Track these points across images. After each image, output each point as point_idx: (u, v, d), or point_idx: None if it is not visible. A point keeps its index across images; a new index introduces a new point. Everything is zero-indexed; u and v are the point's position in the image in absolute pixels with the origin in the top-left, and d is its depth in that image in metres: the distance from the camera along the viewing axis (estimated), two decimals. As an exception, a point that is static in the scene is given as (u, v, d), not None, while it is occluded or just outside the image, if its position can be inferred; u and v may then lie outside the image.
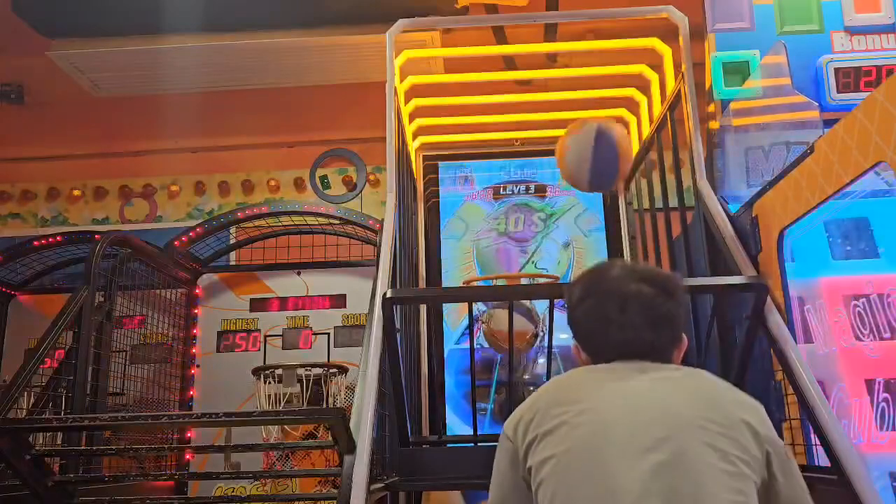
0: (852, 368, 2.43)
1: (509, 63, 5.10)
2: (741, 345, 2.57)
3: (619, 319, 1.38)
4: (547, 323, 4.17)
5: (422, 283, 4.62)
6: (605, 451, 1.22)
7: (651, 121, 3.94)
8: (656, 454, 1.19)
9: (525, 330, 3.57)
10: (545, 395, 1.38)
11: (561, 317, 2.57)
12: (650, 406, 1.27)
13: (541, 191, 5.03)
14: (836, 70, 3.28)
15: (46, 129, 5.78)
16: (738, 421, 1.26)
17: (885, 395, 2.33)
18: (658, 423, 1.24)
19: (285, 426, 3.98)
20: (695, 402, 1.28)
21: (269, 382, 4.09)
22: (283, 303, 4.82)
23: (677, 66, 3.35)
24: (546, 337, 4.32)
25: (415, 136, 4.48)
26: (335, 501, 2.26)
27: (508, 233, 5.01)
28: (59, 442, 3.56)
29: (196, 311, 4.82)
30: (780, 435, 2.49)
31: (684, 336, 1.45)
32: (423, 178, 4.95)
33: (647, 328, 1.37)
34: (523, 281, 4.16)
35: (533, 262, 4.79)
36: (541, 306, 3.78)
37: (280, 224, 4.83)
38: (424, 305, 4.21)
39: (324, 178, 5.81)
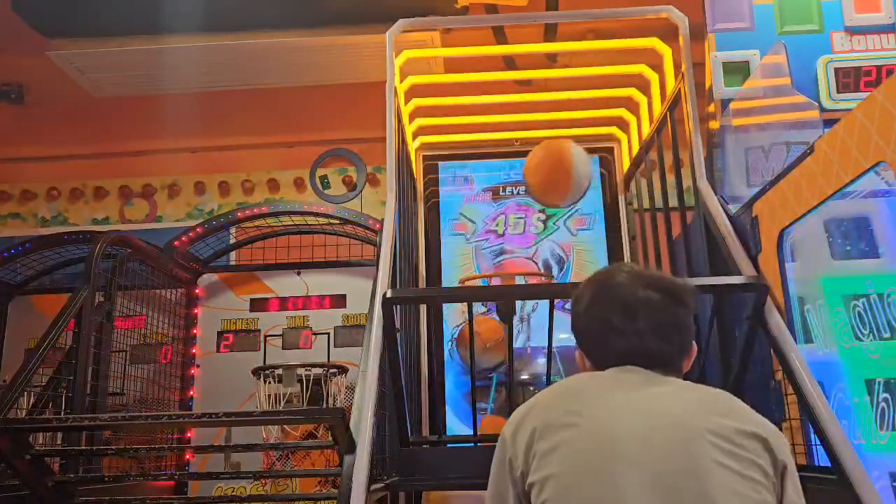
0: (852, 368, 2.43)
1: (509, 63, 5.10)
2: (741, 345, 2.57)
3: (625, 327, 1.33)
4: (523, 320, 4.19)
5: (422, 283, 4.62)
6: (612, 470, 1.17)
7: (651, 121, 3.94)
8: (666, 471, 1.15)
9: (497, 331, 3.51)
10: (547, 403, 1.32)
11: (559, 317, 2.57)
12: (659, 420, 1.22)
13: (541, 191, 5.02)
14: (836, 70, 3.28)
15: (46, 129, 5.78)
16: (753, 436, 1.21)
17: (885, 395, 2.33)
18: (668, 438, 1.19)
19: (285, 426, 3.98)
20: (706, 413, 1.23)
21: (269, 382, 4.09)
22: (283, 303, 4.82)
23: (677, 66, 3.35)
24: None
25: (415, 136, 4.48)
26: (335, 501, 2.26)
27: (508, 233, 5.00)
28: (59, 442, 3.56)
29: (196, 311, 4.82)
30: (780, 435, 2.49)
31: (694, 344, 1.41)
32: (423, 178, 4.94)
33: (654, 336, 1.33)
34: (518, 280, 4.15)
35: (533, 262, 4.79)
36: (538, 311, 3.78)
37: (280, 224, 4.83)
38: (424, 305, 4.21)
39: (324, 178, 5.81)
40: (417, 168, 4.76)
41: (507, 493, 1.29)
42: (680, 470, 1.15)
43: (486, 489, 1.37)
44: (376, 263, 2.95)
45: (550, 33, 4.96)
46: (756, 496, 1.15)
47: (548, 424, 1.25)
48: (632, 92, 4.13)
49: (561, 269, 4.77)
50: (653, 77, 3.83)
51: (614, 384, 1.30)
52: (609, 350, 1.35)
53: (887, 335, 2.34)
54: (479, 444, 2.97)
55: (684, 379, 1.37)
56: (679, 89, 3.28)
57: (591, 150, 4.98)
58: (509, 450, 1.29)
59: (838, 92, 3.25)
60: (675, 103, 3.37)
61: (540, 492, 1.20)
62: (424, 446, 3.29)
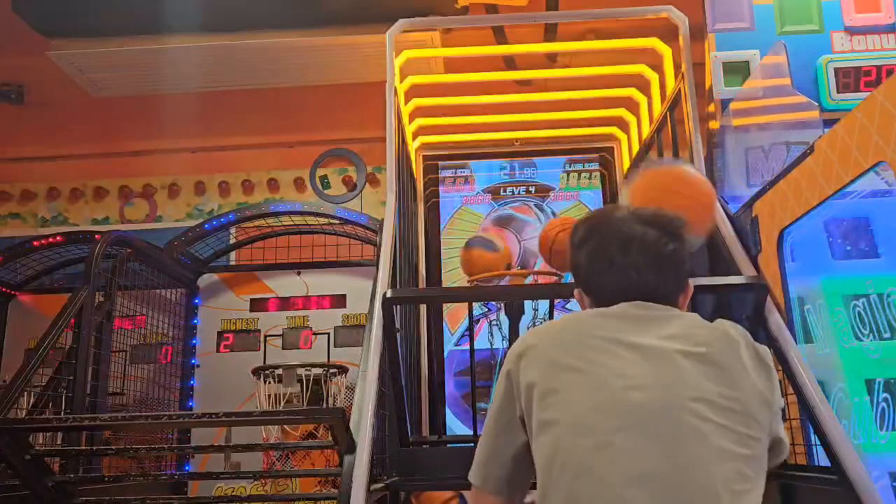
0: (852, 368, 2.43)
1: (509, 63, 5.10)
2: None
3: (622, 261, 1.32)
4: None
5: (422, 283, 4.62)
6: (608, 427, 1.17)
7: (651, 121, 3.94)
8: (660, 432, 1.15)
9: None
10: (550, 339, 1.31)
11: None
12: (656, 378, 1.20)
13: (541, 191, 5.03)
14: (836, 70, 3.28)
15: (46, 129, 5.78)
16: (754, 393, 1.22)
17: (885, 395, 2.33)
18: (661, 400, 1.18)
19: (285, 426, 3.98)
20: (707, 374, 1.21)
21: (269, 382, 4.09)
22: (283, 303, 4.82)
23: (677, 66, 3.35)
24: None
25: (415, 136, 4.48)
26: (335, 501, 2.26)
27: (508, 233, 5.00)
28: (59, 442, 3.56)
29: (196, 310, 4.82)
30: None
31: (690, 282, 1.41)
32: (423, 178, 4.95)
33: (652, 270, 1.33)
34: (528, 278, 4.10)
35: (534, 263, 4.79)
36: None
37: (280, 224, 4.83)
38: (424, 305, 4.21)
39: (324, 178, 5.81)
40: (417, 168, 4.76)
41: (513, 421, 1.31)
42: (673, 434, 1.15)
43: None
44: (376, 263, 2.96)
45: (550, 33, 4.96)
46: (747, 451, 1.17)
47: (549, 365, 1.26)
48: (632, 92, 4.13)
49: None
50: (653, 77, 3.83)
51: (617, 325, 1.28)
52: (605, 285, 1.35)
53: (887, 335, 2.34)
54: (479, 445, 2.97)
55: None
56: (679, 89, 3.29)
57: (591, 150, 5.02)
58: (513, 371, 1.31)
59: (838, 92, 3.25)
60: (675, 103, 3.37)
61: (539, 432, 1.23)
62: (424, 446, 3.30)
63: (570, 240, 1.43)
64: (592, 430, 1.17)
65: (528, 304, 3.30)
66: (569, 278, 4.71)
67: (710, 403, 1.18)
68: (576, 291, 1.44)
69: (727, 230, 2.75)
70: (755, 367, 1.26)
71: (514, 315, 3.01)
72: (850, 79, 3.26)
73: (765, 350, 1.31)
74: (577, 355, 1.25)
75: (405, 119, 3.95)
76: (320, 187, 5.78)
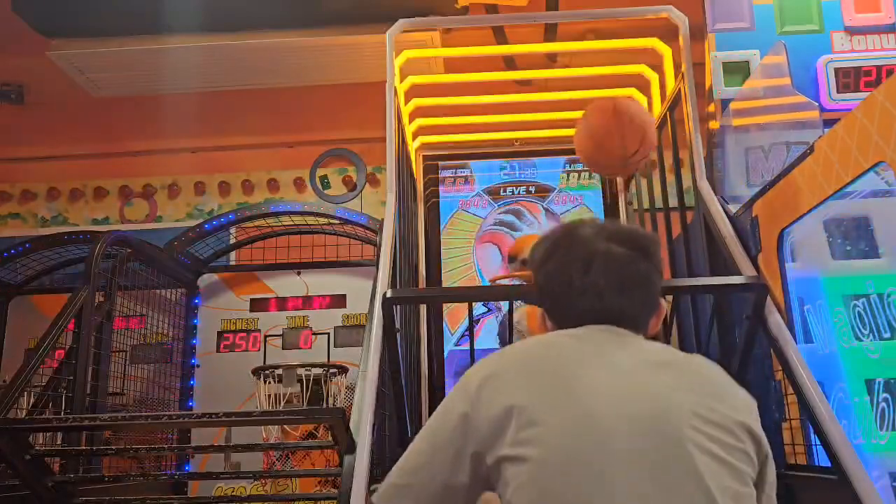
0: (852, 368, 2.43)
1: (509, 63, 5.10)
2: (741, 345, 2.57)
3: (583, 282, 1.20)
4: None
5: (422, 283, 4.62)
6: (597, 458, 1.05)
7: (651, 121, 3.94)
8: (649, 453, 1.05)
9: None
10: (521, 368, 1.16)
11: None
12: (640, 397, 1.10)
13: (541, 191, 5.03)
14: (836, 70, 3.28)
15: (46, 129, 5.78)
16: (739, 422, 1.12)
17: (885, 395, 2.33)
18: (649, 419, 1.07)
19: (285, 426, 3.98)
20: (692, 393, 1.12)
21: (269, 382, 4.09)
22: (283, 303, 4.82)
23: (677, 66, 3.35)
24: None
25: (415, 136, 4.48)
26: (335, 501, 2.26)
27: (508, 233, 5.01)
28: (59, 442, 3.56)
29: (196, 310, 4.82)
30: (780, 435, 2.50)
31: (662, 301, 1.27)
32: (423, 178, 4.95)
33: (615, 292, 1.20)
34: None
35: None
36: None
37: (280, 224, 4.83)
38: (424, 305, 4.21)
39: (324, 178, 5.81)
40: (417, 168, 4.76)
41: (448, 447, 1.14)
42: (670, 459, 1.05)
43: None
44: (376, 263, 2.96)
45: (550, 33, 4.96)
46: (746, 490, 1.09)
47: (523, 401, 1.10)
48: (632, 92, 4.13)
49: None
50: (653, 77, 3.83)
51: (585, 346, 1.18)
52: (570, 310, 1.23)
53: (887, 335, 2.34)
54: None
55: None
56: (679, 89, 3.28)
57: (591, 150, 5.01)
58: (472, 404, 1.13)
59: (838, 92, 3.25)
60: (675, 103, 3.37)
61: (507, 474, 1.08)
62: (424, 446, 3.28)
63: (530, 258, 1.32)
64: (579, 462, 1.05)
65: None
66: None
67: (700, 418, 1.09)
68: (538, 313, 1.32)
69: (727, 230, 2.75)
70: (736, 392, 1.19)
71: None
72: (850, 79, 3.26)
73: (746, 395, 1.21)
74: (547, 381, 1.13)
75: (405, 119, 3.95)
76: (320, 187, 5.78)
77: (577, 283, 1.21)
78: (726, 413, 1.12)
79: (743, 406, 1.17)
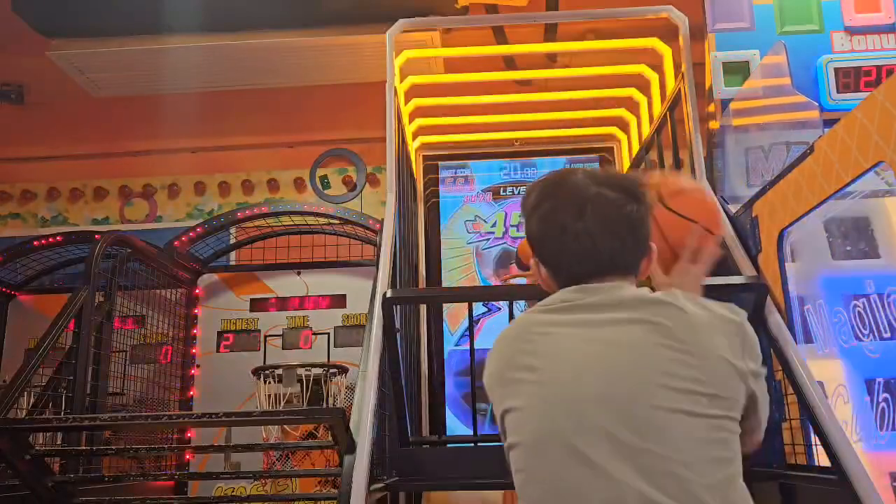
0: (852, 368, 2.43)
1: (509, 63, 5.10)
2: (741, 345, 2.56)
3: (576, 226, 1.21)
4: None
5: (422, 283, 4.62)
6: (565, 436, 1.11)
7: (651, 121, 3.94)
8: (620, 428, 1.08)
9: None
10: (496, 361, 1.26)
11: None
12: (608, 370, 1.13)
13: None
14: (836, 70, 3.28)
15: (46, 129, 5.78)
16: (717, 361, 1.13)
17: (885, 395, 2.33)
18: (619, 390, 1.11)
19: (285, 426, 3.98)
20: (664, 349, 1.13)
21: (269, 382, 4.09)
22: (283, 303, 4.82)
23: (677, 66, 3.35)
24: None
25: (415, 136, 4.48)
26: (335, 501, 2.26)
27: (508, 233, 5.01)
28: (59, 442, 3.56)
29: (196, 311, 4.82)
30: (780, 435, 2.49)
31: (653, 245, 1.28)
32: (423, 178, 4.95)
33: (608, 235, 1.21)
34: None
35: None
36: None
37: (280, 224, 4.83)
38: (424, 305, 4.21)
39: (324, 178, 5.81)
40: (417, 168, 4.76)
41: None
42: (638, 424, 1.09)
43: (487, 489, 1.34)
44: (376, 263, 2.95)
45: (550, 33, 4.97)
46: (717, 434, 1.11)
47: (503, 374, 1.22)
48: (632, 92, 4.13)
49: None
50: (653, 77, 3.83)
51: (566, 324, 1.21)
52: (560, 253, 1.25)
53: (887, 335, 2.34)
54: (479, 444, 2.97)
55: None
56: (679, 89, 3.28)
57: (591, 150, 5.02)
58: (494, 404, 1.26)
59: (838, 92, 3.25)
60: (675, 103, 3.37)
61: (511, 457, 1.19)
62: (424, 446, 3.29)
63: (521, 204, 1.34)
64: (552, 444, 1.12)
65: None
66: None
67: (675, 390, 1.11)
68: (532, 260, 1.33)
69: (727, 230, 2.75)
70: (714, 329, 1.18)
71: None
72: (850, 79, 3.26)
73: (732, 308, 1.22)
74: (522, 364, 1.20)
75: (405, 119, 3.95)
76: (320, 187, 5.78)
77: (570, 227, 1.22)
78: (700, 364, 1.13)
79: (721, 342, 1.16)
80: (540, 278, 1.32)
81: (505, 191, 5.07)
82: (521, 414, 1.17)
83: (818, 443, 2.13)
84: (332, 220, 4.74)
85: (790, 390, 2.29)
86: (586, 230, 1.21)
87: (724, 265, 2.60)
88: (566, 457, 1.10)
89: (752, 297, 2.42)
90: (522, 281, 3.48)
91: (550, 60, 5.21)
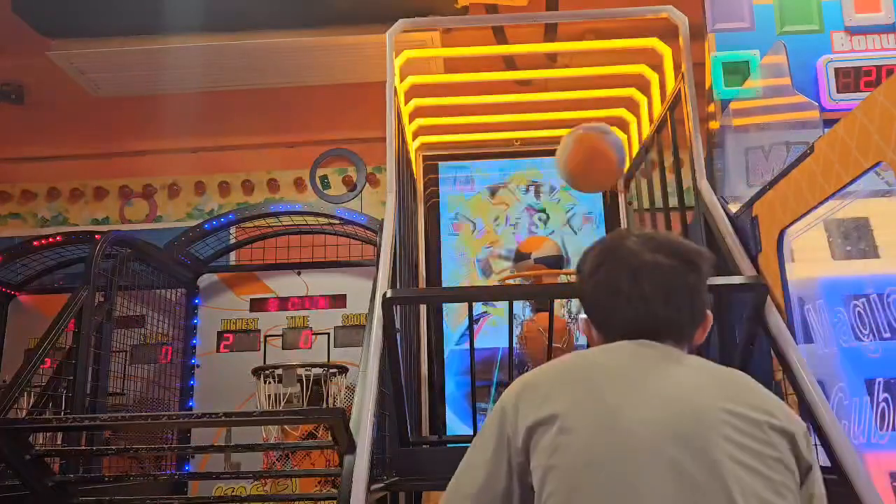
0: (852, 368, 2.43)
1: (509, 63, 5.10)
2: (741, 345, 2.57)
3: (630, 291, 1.24)
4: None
5: (422, 283, 4.62)
6: (625, 465, 1.08)
7: (651, 121, 3.94)
8: (685, 468, 1.06)
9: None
10: (554, 381, 1.22)
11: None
12: (670, 405, 1.13)
13: (541, 191, 5.03)
14: (836, 70, 3.28)
15: (46, 129, 5.78)
16: (777, 427, 1.14)
17: (885, 395, 2.33)
18: (678, 427, 1.10)
19: (285, 426, 3.98)
20: (728, 400, 1.14)
21: (269, 382, 4.09)
22: (283, 303, 4.82)
23: (677, 66, 3.35)
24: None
25: (415, 136, 4.48)
26: (335, 501, 2.26)
27: (508, 233, 5.01)
28: (59, 442, 3.56)
29: (196, 310, 4.82)
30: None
31: (708, 312, 1.31)
32: (423, 178, 4.95)
33: (661, 303, 1.24)
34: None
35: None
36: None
37: (280, 224, 4.83)
38: (424, 305, 4.21)
39: (324, 178, 5.81)
40: (417, 168, 4.76)
41: (500, 467, 1.21)
42: (699, 467, 1.07)
43: None
44: (376, 263, 2.95)
45: (550, 33, 4.96)
46: (781, 501, 1.10)
47: (552, 410, 1.15)
48: (632, 92, 4.13)
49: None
50: (653, 77, 3.83)
51: (627, 364, 1.21)
52: (615, 318, 1.28)
53: (887, 335, 2.34)
54: (479, 444, 2.97)
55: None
56: (679, 89, 3.28)
57: (591, 150, 5.01)
58: (510, 424, 1.21)
59: (838, 92, 3.25)
60: (675, 103, 3.37)
61: (542, 483, 1.12)
62: (424, 446, 3.29)
63: (577, 268, 1.37)
64: (605, 471, 1.09)
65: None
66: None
67: (731, 426, 1.11)
68: (583, 321, 1.37)
69: (727, 230, 2.75)
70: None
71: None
72: (850, 79, 3.26)
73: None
74: (580, 391, 1.17)
75: (405, 119, 3.95)
76: (320, 187, 5.78)
77: (625, 291, 1.25)
78: (760, 418, 1.14)
79: (779, 411, 1.18)
80: (589, 338, 1.36)
81: (505, 190, 5.07)
82: (573, 438, 1.14)
83: (818, 443, 2.13)
84: (332, 220, 4.74)
85: (790, 390, 2.30)
86: (641, 296, 1.25)
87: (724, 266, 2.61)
88: (614, 487, 1.08)
89: (752, 297, 2.43)
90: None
91: (550, 60, 5.21)
